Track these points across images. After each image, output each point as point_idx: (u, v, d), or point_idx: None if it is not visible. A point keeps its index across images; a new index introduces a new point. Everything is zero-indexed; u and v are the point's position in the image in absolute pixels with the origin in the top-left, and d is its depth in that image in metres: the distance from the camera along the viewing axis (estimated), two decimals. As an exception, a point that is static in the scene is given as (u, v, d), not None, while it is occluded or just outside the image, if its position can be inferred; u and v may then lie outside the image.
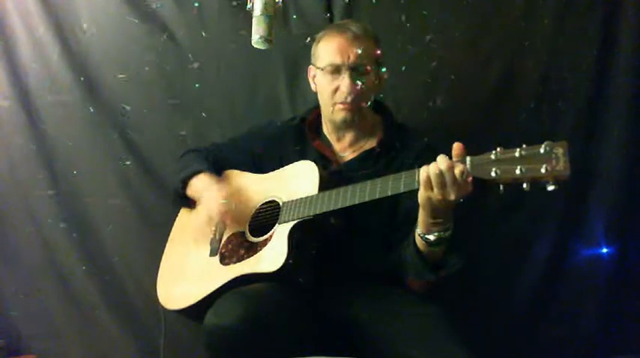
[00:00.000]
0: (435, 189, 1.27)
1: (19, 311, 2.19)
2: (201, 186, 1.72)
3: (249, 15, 1.55)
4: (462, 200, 1.27)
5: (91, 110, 2.17)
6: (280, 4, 1.57)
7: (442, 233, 1.37)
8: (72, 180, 2.19)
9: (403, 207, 1.56)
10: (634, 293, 2.04)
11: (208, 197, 1.67)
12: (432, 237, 1.38)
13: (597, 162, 2.07)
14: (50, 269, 2.20)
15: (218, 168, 1.81)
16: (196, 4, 2.14)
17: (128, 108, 2.19)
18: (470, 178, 1.24)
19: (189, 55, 2.16)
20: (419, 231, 1.40)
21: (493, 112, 2.09)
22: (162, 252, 1.86)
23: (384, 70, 1.71)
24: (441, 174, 1.25)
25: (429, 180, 1.27)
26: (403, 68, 2.03)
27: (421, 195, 1.31)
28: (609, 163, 2.05)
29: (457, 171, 1.24)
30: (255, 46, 1.56)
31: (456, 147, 1.27)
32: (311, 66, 1.76)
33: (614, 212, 2.05)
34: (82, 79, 2.17)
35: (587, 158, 2.07)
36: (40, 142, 2.19)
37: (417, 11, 2.08)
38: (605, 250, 2.05)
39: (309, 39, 1.81)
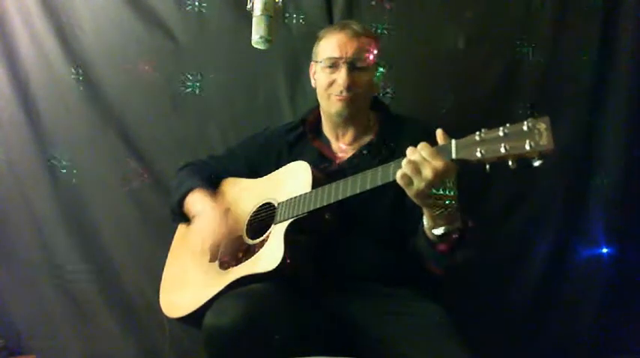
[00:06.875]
0: (415, 180, 1.23)
1: (19, 311, 2.18)
2: (196, 204, 1.72)
3: (249, 15, 1.54)
4: (447, 180, 1.23)
5: (91, 110, 2.17)
6: (280, 4, 1.56)
7: (449, 225, 1.33)
8: (72, 179, 2.20)
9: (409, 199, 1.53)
10: (634, 294, 2.04)
11: (203, 217, 1.66)
12: (439, 231, 1.34)
13: (597, 162, 2.07)
14: (50, 269, 2.20)
15: (214, 181, 1.81)
16: (196, 4, 2.14)
17: (128, 108, 2.19)
18: (439, 161, 1.20)
19: (189, 56, 2.16)
20: (426, 225, 1.37)
21: (493, 112, 2.09)
22: (162, 251, 1.87)
23: (382, 70, 1.71)
24: (410, 161, 1.23)
25: (404, 175, 1.24)
26: (402, 68, 2.03)
27: (410, 194, 1.26)
28: (609, 163, 2.05)
29: (423, 151, 1.21)
30: (255, 46, 1.55)
31: (438, 133, 1.24)
32: (312, 62, 1.77)
33: (614, 212, 2.05)
34: (82, 78, 2.17)
35: (586, 158, 2.07)
36: (40, 141, 2.19)
37: (417, 11, 2.09)
38: (605, 250, 2.05)
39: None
